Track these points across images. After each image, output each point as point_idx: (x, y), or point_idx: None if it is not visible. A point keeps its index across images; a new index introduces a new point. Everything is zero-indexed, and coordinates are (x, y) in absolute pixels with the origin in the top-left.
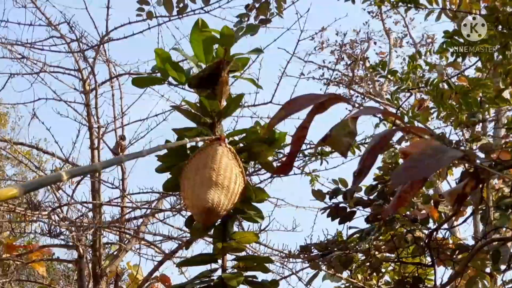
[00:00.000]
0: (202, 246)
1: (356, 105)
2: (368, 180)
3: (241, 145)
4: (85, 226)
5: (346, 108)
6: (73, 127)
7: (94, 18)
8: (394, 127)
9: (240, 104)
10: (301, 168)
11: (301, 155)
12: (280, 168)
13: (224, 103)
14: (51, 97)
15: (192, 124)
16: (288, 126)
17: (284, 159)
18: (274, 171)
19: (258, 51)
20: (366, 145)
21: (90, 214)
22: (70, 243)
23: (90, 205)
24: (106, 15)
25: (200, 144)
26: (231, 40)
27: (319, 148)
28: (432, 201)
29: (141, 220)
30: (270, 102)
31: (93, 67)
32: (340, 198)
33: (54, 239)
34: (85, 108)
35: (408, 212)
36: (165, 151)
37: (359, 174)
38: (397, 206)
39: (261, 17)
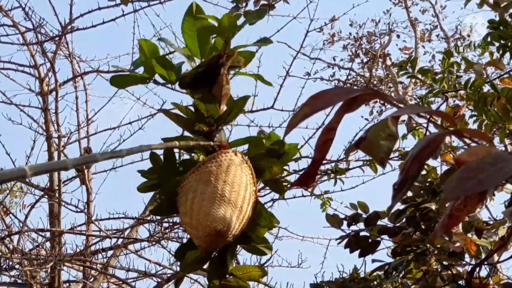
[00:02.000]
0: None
1: (395, 104)
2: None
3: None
4: (42, 259)
5: (362, 116)
6: (27, 137)
7: (55, 3)
8: (444, 130)
9: (244, 109)
10: (310, 190)
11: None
12: (301, 179)
13: (223, 107)
14: (0, 100)
15: (184, 132)
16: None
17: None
18: (293, 183)
19: (265, 41)
20: (393, 160)
21: (48, 244)
22: (22, 281)
23: (48, 234)
24: (70, 0)
25: (200, 156)
26: (233, 29)
27: (332, 164)
28: (473, 230)
29: (110, 252)
30: (272, 107)
31: (53, 63)
32: (360, 225)
33: (2, 275)
34: (43, 114)
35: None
36: (149, 165)
37: (401, 186)
38: (448, 227)
39: (263, 1)
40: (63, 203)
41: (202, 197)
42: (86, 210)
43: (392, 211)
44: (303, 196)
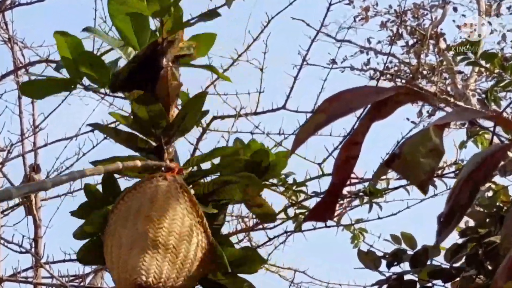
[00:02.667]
0: None
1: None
2: (449, 237)
3: (213, 176)
4: None
5: (408, 119)
6: None
7: None
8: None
9: (206, 111)
10: (337, 218)
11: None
12: (317, 211)
13: (174, 110)
14: None
15: (130, 151)
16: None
17: (316, 200)
18: (307, 217)
19: (210, 15)
20: (448, 177)
21: None
22: None
23: None
24: None
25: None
26: (169, 3)
27: (366, 184)
28: None
29: None
30: (283, 107)
31: None
32: (405, 265)
33: None
34: None
35: None
36: (84, 198)
37: (449, 218)
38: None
39: None
40: (1, 241)
41: (120, 243)
42: (33, 249)
43: (446, 247)
44: (326, 226)
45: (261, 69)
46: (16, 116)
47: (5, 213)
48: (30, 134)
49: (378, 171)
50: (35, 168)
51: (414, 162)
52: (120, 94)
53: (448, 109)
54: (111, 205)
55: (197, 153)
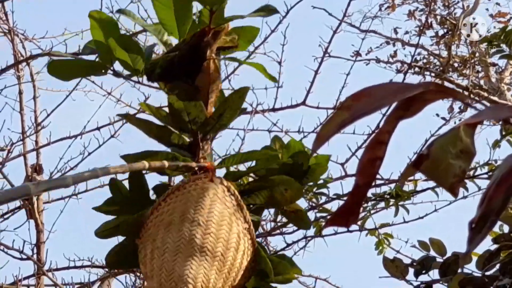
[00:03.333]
0: None
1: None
2: (482, 243)
3: (250, 179)
4: None
5: (438, 115)
6: None
7: None
8: None
9: (244, 107)
10: (360, 222)
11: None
12: (339, 215)
13: (212, 106)
14: None
15: (158, 145)
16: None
17: (339, 203)
18: (328, 222)
19: (268, 11)
20: (481, 178)
21: None
22: None
23: None
24: None
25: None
26: None
27: (392, 186)
28: None
29: None
30: (303, 103)
31: None
32: (434, 273)
33: None
34: None
35: None
36: (108, 194)
37: (481, 224)
38: None
39: None
40: (1, 247)
41: (163, 249)
42: (35, 256)
43: (479, 253)
44: (349, 231)
45: (279, 63)
46: (17, 113)
47: (5, 216)
48: (32, 133)
49: (405, 173)
50: (37, 169)
51: (443, 163)
52: (153, 84)
53: (481, 106)
54: (142, 206)
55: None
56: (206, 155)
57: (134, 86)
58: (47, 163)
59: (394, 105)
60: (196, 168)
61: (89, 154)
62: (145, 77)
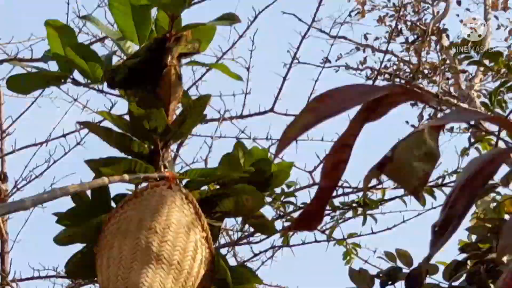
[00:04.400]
0: None
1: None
2: (448, 253)
3: (211, 187)
4: None
5: (407, 122)
6: None
7: None
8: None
9: (205, 114)
10: (327, 232)
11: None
12: (302, 219)
13: (173, 113)
14: None
15: (117, 154)
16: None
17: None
18: (291, 226)
19: (231, 19)
20: (449, 186)
21: None
22: None
23: None
24: None
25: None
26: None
27: (360, 194)
28: None
29: None
30: (271, 110)
31: None
32: (400, 285)
33: None
34: None
35: None
36: (70, 203)
37: (443, 228)
38: None
39: None
40: None
41: (119, 257)
42: None
43: (446, 262)
44: (316, 241)
45: (248, 68)
46: None
47: None
48: None
49: (368, 175)
50: (2, 177)
51: (407, 166)
52: (114, 91)
53: (448, 109)
54: (104, 214)
55: (178, 160)
56: (167, 162)
57: (101, 92)
58: (12, 171)
59: (359, 107)
60: (157, 178)
61: (55, 161)
62: (105, 85)
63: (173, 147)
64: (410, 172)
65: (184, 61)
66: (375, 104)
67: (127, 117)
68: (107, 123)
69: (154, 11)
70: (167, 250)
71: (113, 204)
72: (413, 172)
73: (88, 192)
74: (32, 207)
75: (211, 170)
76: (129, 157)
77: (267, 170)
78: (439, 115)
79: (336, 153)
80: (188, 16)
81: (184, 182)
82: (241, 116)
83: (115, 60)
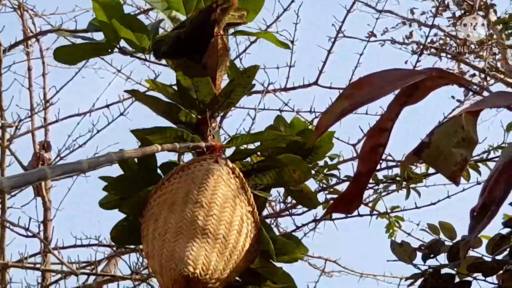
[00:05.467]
0: None
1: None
2: (492, 226)
3: (254, 159)
4: None
5: (453, 97)
6: None
7: None
8: None
9: (253, 85)
10: (370, 205)
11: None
12: (341, 202)
13: (221, 83)
14: None
15: (166, 123)
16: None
17: (346, 187)
18: (330, 208)
19: None
20: (494, 161)
21: None
22: None
23: None
24: None
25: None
26: None
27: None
28: None
29: None
30: (315, 83)
31: None
32: (442, 258)
33: None
34: None
35: None
36: (118, 171)
37: (483, 213)
38: None
39: None
40: (7, 224)
41: (165, 229)
42: (42, 233)
43: (490, 236)
44: (359, 215)
45: (292, 42)
46: (26, 89)
47: (12, 193)
48: (40, 109)
49: (406, 160)
50: (45, 146)
51: (444, 152)
52: (162, 62)
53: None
54: (150, 183)
55: (220, 131)
56: (214, 133)
57: (144, 63)
58: (56, 140)
59: (397, 92)
60: (205, 148)
61: (98, 131)
62: (151, 55)
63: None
64: (448, 157)
65: (232, 30)
66: (412, 89)
67: (173, 87)
68: (152, 94)
69: None
70: (213, 224)
71: (159, 172)
72: (451, 158)
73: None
74: (88, 169)
75: (257, 134)
76: (175, 126)
77: (309, 141)
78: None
79: (374, 137)
80: None
81: (229, 153)
82: (285, 89)
83: (161, 30)
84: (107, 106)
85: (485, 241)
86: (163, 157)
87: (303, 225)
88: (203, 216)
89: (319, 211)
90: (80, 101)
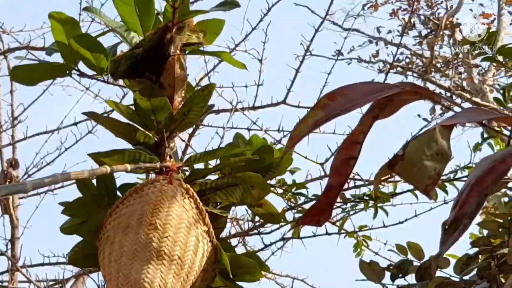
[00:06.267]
0: None
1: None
2: (459, 247)
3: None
4: None
5: (419, 115)
6: None
7: None
8: None
9: (211, 104)
10: (338, 223)
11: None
12: (311, 214)
13: (178, 103)
14: None
15: (125, 144)
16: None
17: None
18: (300, 220)
19: (230, 4)
20: (461, 181)
21: None
22: None
23: None
24: None
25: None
26: None
27: (371, 187)
28: None
29: None
30: (283, 102)
31: None
32: (411, 277)
33: None
34: None
35: None
36: (76, 193)
37: (454, 227)
38: None
39: None
40: None
41: (120, 252)
42: (9, 252)
43: (458, 256)
44: (327, 233)
45: (260, 60)
46: None
47: None
48: (8, 127)
49: (379, 174)
50: (13, 163)
51: (418, 165)
52: (120, 82)
53: (458, 108)
54: (109, 204)
55: (189, 150)
56: (172, 153)
57: (108, 83)
58: (24, 158)
59: (369, 105)
60: (159, 168)
61: (66, 149)
62: (110, 76)
63: (185, 136)
64: (422, 171)
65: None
66: (385, 102)
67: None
68: (116, 113)
69: (162, 3)
70: (168, 245)
71: (119, 194)
72: (425, 171)
73: (94, 182)
74: (32, 190)
75: (211, 153)
76: (133, 148)
77: (268, 157)
78: (450, 113)
79: (345, 150)
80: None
81: (188, 172)
82: (253, 107)
83: (121, 51)
84: (75, 124)
85: (452, 261)
86: (126, 178)
87: (271, 243)
88: (157, 238)
89: (287, 230)
90: (48, 118)
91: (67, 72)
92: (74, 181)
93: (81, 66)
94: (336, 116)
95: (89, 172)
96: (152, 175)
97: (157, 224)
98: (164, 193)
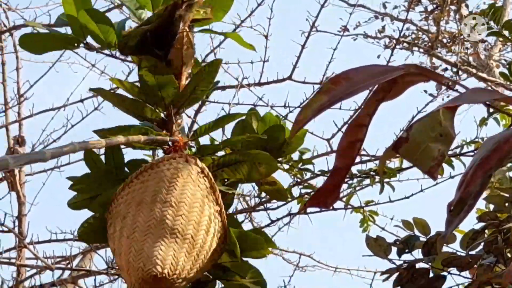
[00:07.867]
0: None
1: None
2: (466, 221)
3: (222, 153)
4: None
5: (425, 91)
6: None
7: None
8: None
9: (217, 81)
10: (344, 200)
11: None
12: (318, 196)
13: (185, 79)
14: None
15: (131, 121)
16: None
17: (322, 181)
18: (308, 202)
19: None
20: (467, 156)
21: None
22: None
23: None
24: None
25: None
26: None
27: (377, 163)
28: None
29: None
30: (289, 78)
31: None
32: (417, 253)
33: None
34: None
35: None
36: (85, 169)
37: (459, 207)
38: None
39: None
40: None
41: (133, 227)
42: (16, 228)
43: (464, 231)
44: (333, 209)
45: (266, 36)
46: None
47: None
48: (14, 104)
49: (384, 155)
50: (19, 141)
51: (422, 146)
52: (128, 58)
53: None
54: (118, 180)
55: (195, 126)
56: (179, 130)
57: (115, 58)
58: (30, 135)
59: (374, 87)
60: (170, 142)
61: (72, 126)
62: (117, 51)
63: (191, 113)
64: (426, 152)
65: (199, 28)
66: (390, 85)
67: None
68: (120, 91)
69: None
70: (182, 224)
71: (127, 170)
72: (429, 153)
73: (103, 158)
74: (51, 159)
75: (216, 122)
76: (140, 124)
77: (280, 136)
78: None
79: (351, 132)
80: None
81: (198, 147)
82: (259, 84)
83: (129, 27)
84: (81, 100)
85: (459, 236)
86: (131, 155)
87: (278, 219)
88: (172, 215)
89: (294, 205)
90: (54, 95)
91: (75, 44)
92: (82, 157)
93: (89, 41)
94: (340, 101)
95: (107, 142)
96: (159, 152)
97: (172, 202)
98: (179, 170)
